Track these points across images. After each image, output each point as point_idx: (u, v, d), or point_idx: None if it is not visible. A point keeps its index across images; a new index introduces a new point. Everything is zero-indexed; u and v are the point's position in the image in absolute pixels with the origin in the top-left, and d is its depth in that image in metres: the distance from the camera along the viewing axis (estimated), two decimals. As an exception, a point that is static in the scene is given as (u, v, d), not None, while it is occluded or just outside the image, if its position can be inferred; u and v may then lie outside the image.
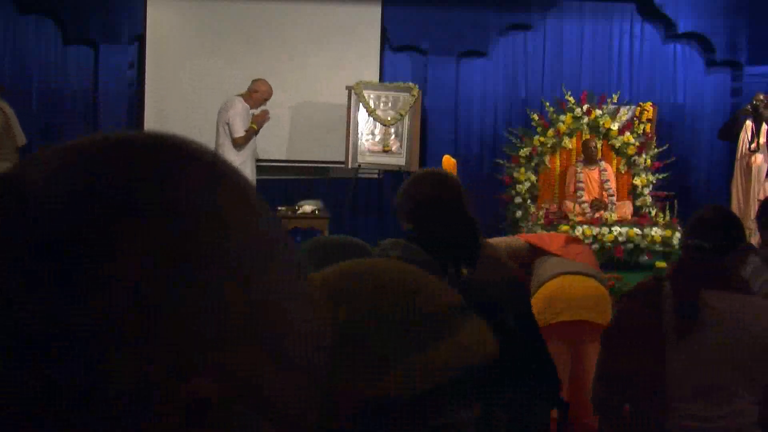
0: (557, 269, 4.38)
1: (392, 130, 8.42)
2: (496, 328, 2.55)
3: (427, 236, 2.42)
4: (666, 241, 7.49)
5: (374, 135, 8.43)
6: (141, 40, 8.99)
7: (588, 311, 4.25)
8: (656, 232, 7.52)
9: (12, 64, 8.98)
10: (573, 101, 8.27)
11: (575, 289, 4.30)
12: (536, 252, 4.48)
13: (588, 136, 8.22)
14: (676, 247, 7.48)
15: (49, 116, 9.04)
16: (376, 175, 9.26)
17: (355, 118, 8.34)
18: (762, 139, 8.27)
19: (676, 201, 7.93)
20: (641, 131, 8.38)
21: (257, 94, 7.56)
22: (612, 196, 8.04)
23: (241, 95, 7.55)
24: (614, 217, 7.76)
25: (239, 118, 7.37)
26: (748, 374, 2.33)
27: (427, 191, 2.51)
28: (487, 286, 2.45)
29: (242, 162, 7.40)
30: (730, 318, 2.34)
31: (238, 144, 7.37)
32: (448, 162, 4.84)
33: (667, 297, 2.41)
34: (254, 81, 7.65)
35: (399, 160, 8.41)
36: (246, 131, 7.41)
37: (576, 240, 4.64)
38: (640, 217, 7.91)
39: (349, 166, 8.37)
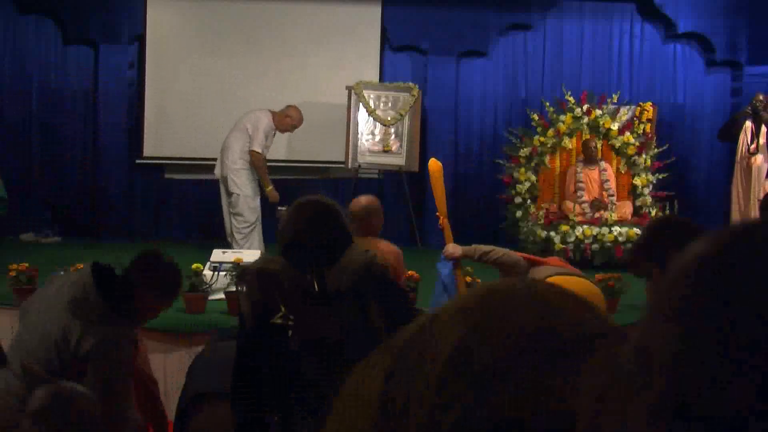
0: (551, 271, 4.41)
1: (392, 130, 8.42)
2: (358, 314, 2.64)
3: (296, 254, 2.67)
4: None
5: (374, 135, 8.43)
6: (141, 40, 8.99)
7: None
8: (656, 232, 7.51)
9: (12, 64, 8.98)
10: (573, 101, 8.27)
11: (570, 286, 4.30)
12: (532, 263, 4.53)
13: (588, 136, 8.22)
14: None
15: (49, 116, 9.04)
16: (376, 175, 9.26)
17: (355, 118, 8.34)
18: (762, 140, 8.27)
19: (676, 201, 7.93)
20: (641, 131, 8.39)
21: (288, 119, 7.56)
22: (612, 196, 8.04)
23: (272, 112, 7.55)
24: (614, 217, 7.76)
25: (262, 133, 7.38)
26: None
27: (299, 226, 2.72)
28: (342, 279, 2.61)
29: (245, 168, 7.38)
30: None
31: (253, 157, 7.33)
32: (435, 165, 4.86)
33: None
34: (289, 106, 7.68)
35: (399, 160, 8.41)
36: (266, 174, 7.41)
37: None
38: (640, 217, 7.91)
39: (349, 166, 8.37)
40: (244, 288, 2.65)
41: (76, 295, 2.87)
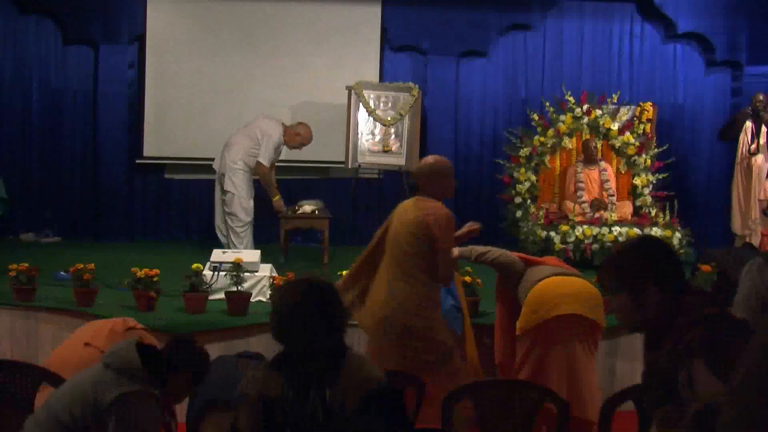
0: (549, 271, 4.41)
1: (392, 130, 8.42)
2: None
3: (291, 357, 2.59)
4: (666, 241, 7.48)
5: (374, 135, 8.42)
6: (141, 40, 8.98)
7: (582, 306, 4.27)
8: (656, 232, 7.51)
9: (12, 64, 8.97)
10: (573, 101, 8.27)
11: (568, 286, 4.32)
12: (529, 263, 4.53)
13: (588, 136, 8.21)
14: (676, 246, 7.47)
15: (49, 116, 9.03)
16: (376, 175, 9.27)
17: (355, 118, 8.34)
18: (762, 140, 8.26)
19: (676, 201, 7.93)
20: (641, 131, 8.38)
21: (298, 137, 7.72)
22: (612, 196, 8.04)
23: (284, 125, 7.68)
24: (614, 217, 7.76)
25: (272, 146, 7.55)
26: None
27: (289, 305, 2.61)
28: (345, 400, 2.55)
29: (243, 170, 7.45)
30: None
31: (259, 169, 7.44)
32: None
33: None
34: (300, 123, 7.80)
35: (399, 160, 8.41)
36: (272, 185, 7.55)
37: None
38: (640, 217, 7.91)
39: (349, 166, 8.37)
40: (247, 418, 2.57)
41: (114, 348, 2.97)
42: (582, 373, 4.28)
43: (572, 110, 8.24)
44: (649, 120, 8.50)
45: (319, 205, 7.82)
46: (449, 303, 4.95)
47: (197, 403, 3.26)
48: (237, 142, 7.52)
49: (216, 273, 5.74)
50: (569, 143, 8.26)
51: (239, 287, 5.48)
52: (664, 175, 8.36)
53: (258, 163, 7.46)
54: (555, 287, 4.29)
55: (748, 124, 8.31)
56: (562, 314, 4.21)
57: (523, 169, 8.16)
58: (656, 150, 8.38)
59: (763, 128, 8.25)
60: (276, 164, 8.09)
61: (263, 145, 7.46)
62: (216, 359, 3.49)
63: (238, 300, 5.42)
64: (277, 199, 7.59)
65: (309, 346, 2.57)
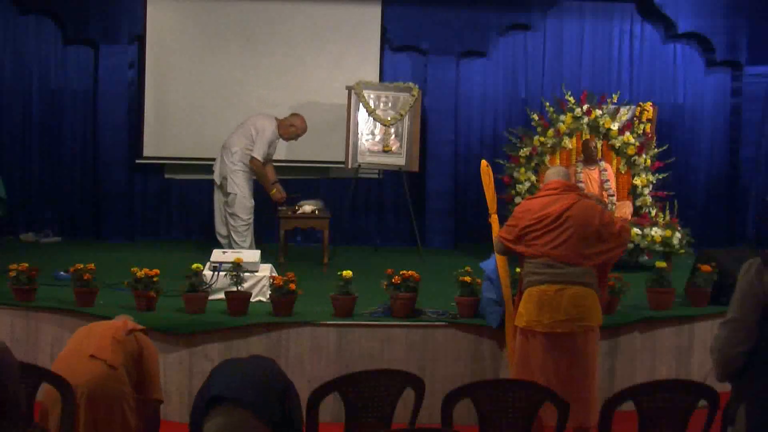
0: (539, 276, 4.41)
1: (392, 130, 8.42)
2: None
3: None
4: (666, 241, 7.48)
5: (374, 135, 8.42)
6: (141, 40, 8.98)
7: (574, 322, 4.32)
8: (656, 232, 7.51)
9: (12, 64, 8.97)
10: (573, 101, 8.26)
11: (548, 300, 4.34)
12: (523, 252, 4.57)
13: (588, 136, 8.21)
14: (676, 246, 7.48)
15: (49, 116, 9.03)
16: (376, 175, 9.27)
17: (355, 118, 8.34)
18: None
19: (676, 201, 7.93)
20: (641, 131, 8.37)
21: (292, 128, 7.75)
22: (612, 196, 8.04)
23: (278, 120, 7.71)
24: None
25: (265, 140, 7.57)
26: None
27: None
28: None
29: (243, 170, 7.52)
30: None
31: (253, 164, 7.49)
32: (482, 165, 5.19)
33: None
34: (294, 114, 7.84)
35: (399, 160, 8.41)
36: (266, 179, 7.60)
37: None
38: (640, 217, 7.91)
39: (349, 166, 8.37)
40: None
41: None
42: (579, 376, 4.30)
43: (572, 110, 8.24)
44: (649, 120, 8.49)
45: (319, 205, 7.82)
46: (485, 296, 5.11)
47: (201, 400, 3.25)
48: (234, 143, 7.56)
49: (216, 273, 5.74)
50: (569, 143, 8.26)
51: (239, 287, 5.48)
52: (664, 175, 8.36)
53: (252, 158, 7.49)
54: (537, 300, 4.34)
55: None
56: (539, 332, 4.36)
57: (523, 169, 8.16)
58: (656, 150, 8.37)
59: None
60: (276, 164, 8.09)
61: (257, 140, 7.50)
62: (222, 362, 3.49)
63: (238, 300, 5.42)
64: (274, 192, 7.65)
65: None
